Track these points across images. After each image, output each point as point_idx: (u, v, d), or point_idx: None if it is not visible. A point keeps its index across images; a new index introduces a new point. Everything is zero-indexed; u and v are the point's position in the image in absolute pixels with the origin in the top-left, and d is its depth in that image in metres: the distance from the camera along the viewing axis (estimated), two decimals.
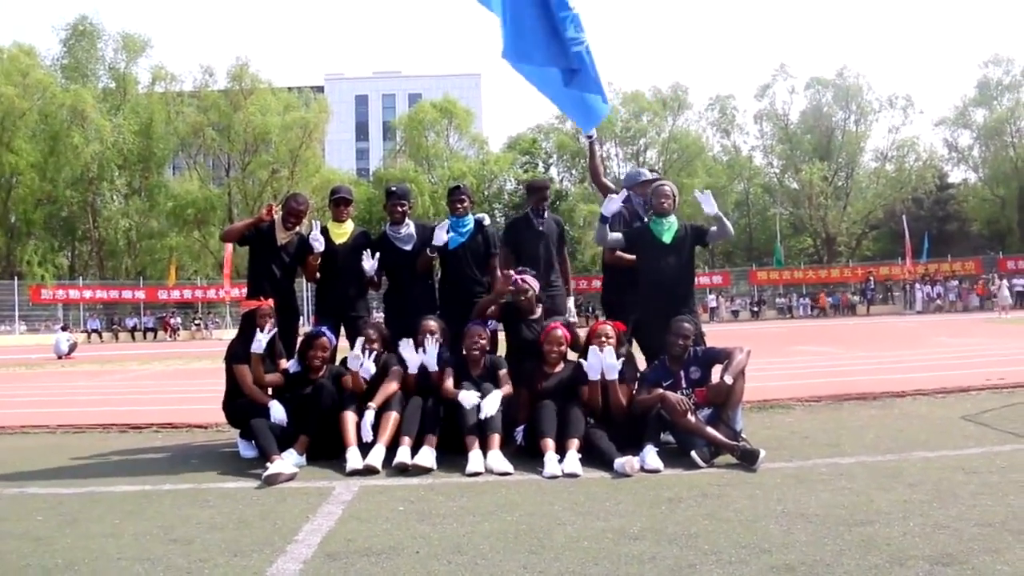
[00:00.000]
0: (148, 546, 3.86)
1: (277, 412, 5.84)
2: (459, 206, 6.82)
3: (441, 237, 6.64)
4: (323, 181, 50.65)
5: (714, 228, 6.49)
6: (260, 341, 6.03)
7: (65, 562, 3.63)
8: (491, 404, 5.59)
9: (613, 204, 6.45)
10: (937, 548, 3.40)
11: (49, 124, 49.97)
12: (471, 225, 6.81)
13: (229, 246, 38.43)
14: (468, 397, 5.59)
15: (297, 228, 6.76)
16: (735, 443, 5.29)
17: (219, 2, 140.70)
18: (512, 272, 6.38)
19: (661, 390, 5.64)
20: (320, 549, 3.71)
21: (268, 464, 5.25)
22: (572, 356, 6.16)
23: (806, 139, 58.94)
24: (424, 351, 5.95)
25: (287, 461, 5.37)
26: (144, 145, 53.04)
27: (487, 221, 6.93)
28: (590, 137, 7.27)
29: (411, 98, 76.00)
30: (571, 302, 7.14)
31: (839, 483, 4.66)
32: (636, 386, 5.91)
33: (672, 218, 6.49)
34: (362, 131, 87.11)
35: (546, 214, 7.16)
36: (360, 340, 6.07)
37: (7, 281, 44.28)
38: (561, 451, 5.27)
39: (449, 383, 5.84)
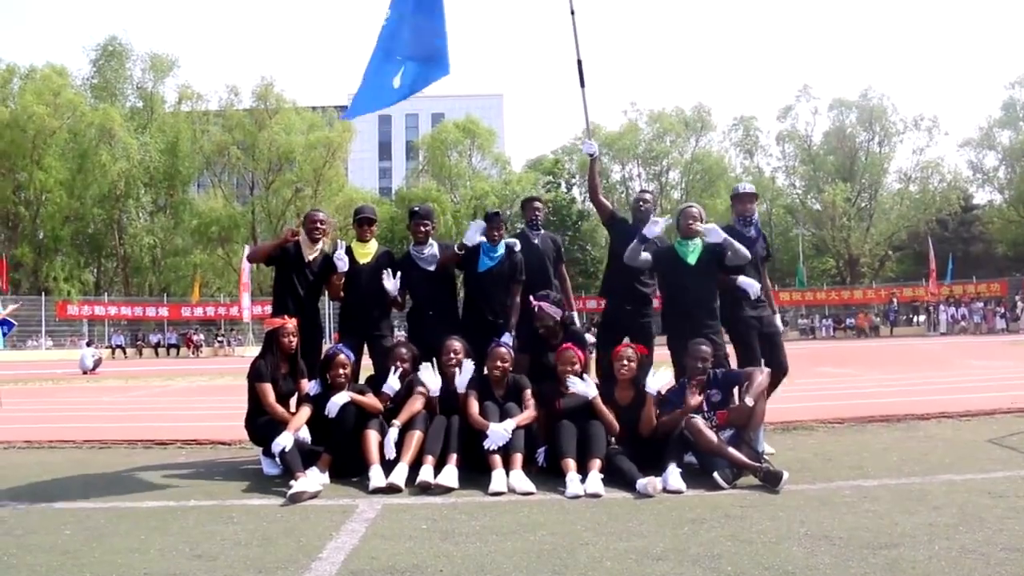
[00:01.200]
0: (174, 561, 3.89)
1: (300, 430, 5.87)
2: (495, 232, 6.86)
3: (473, 238, 6.71)
4: (346, 200, 50.98)
5: (729, 253, 6.54)
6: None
7: None
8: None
9: (656, 227, 6.50)
10: (963, 572, 3.38)
11: (78, 142, 50.81)
12: (503, 251, 6.86)
13: (246, 264, 38.70)
14: (497, 433, 5.57)
15: (323, 242, 6.82)
16: (758, 464, 5.28)
17: (245, 22, 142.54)
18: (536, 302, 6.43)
19: (683, 408, 5.66)
20: (344, 567, 3.73)
21: (293, 481, 5.28)
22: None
23: (829, 160, 58.70)
24: (460, 371, 6.02)
25: (311, 479, 5.39)
26: (170, 163, 53.75)
27: (518, 247, 6.99)
28: (592, 155, 7.30)
29: (434, 118, 76.39)
30: (574, 318, 7.16)
31: (863, 506, 4.64)
32: (658, 409, 5.91)
33: (697, 240, 6.55)
34: (385, 150, 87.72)
35: (541, 230, 7.26)
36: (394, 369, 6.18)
37: (35, 296, 44.70)
38: (583, 471, 5.27)
39: (475, 408, 5.84)
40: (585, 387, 5.77)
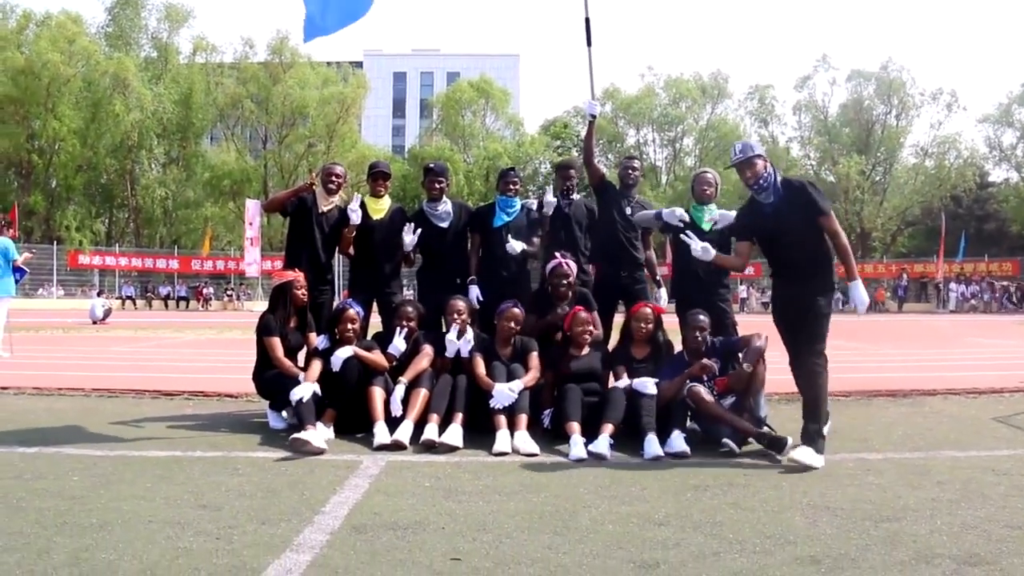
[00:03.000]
0: (178, 510, 3.93)
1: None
2: (511, 187, 6.89)
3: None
4: (359, 156, 50.88)
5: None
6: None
7: (99, 522, 3.71)
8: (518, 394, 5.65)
9: (674, 217, 6.42)
10: (964, 548, 3.38)
11: (92, 91, 50.68)
12: (518, 207, 6.89)
13: (255, 218, 38.57)
14: (502, 393, 5.59)
15: (339, 194, 6.79)
16: (760, 431, 5.29)
17: None
18: (561, 261, 6.37)
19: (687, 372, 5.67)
20: (347, 521, 3.75)
21: (302, 431, 5.32)
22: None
23: (845, 132, 58.03)
24: (461, 338, 6.01)
25: (319, 432, 5.42)
26: (183, 115, 53.63)
27: (534, 205, 7.01)
28: (594, 116, 7.13)
29: (449, 76, 75.89)
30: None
31: (866, 478, 4.64)
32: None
33: (712, 206, 6.51)
34: (399, 108, 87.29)
35: (574, 196, 7.16)
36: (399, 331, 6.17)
37: (46, 245, 44.81)
38: (594, 434, 5.26)
39: (481, 368, 5.85)
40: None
